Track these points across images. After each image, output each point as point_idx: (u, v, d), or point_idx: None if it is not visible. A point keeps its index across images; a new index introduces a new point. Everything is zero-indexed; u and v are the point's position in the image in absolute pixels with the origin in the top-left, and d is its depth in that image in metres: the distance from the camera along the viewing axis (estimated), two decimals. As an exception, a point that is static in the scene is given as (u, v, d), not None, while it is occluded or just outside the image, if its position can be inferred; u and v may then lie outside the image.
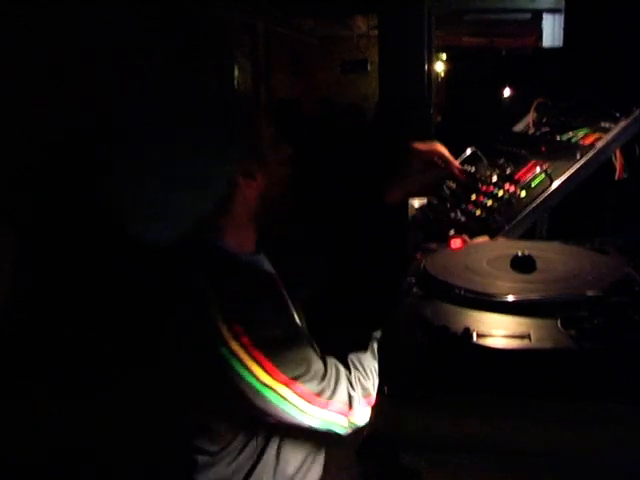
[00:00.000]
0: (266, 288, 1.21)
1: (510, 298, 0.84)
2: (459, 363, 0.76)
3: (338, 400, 1.16)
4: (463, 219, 1.44)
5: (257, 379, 1.10)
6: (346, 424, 1.18)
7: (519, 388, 0.75)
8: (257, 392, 1.10)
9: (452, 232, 1.36)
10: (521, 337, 0.77)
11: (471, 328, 0.77)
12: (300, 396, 1.12)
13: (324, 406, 1.14)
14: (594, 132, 1.39)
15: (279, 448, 1.24)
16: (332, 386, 1.16)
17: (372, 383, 1.20)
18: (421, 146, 1.54)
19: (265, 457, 1.22)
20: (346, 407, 1.16)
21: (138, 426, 1.29)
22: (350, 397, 1.17)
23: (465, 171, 1.59)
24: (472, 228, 1.34)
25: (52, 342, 1.69)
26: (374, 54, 5.14)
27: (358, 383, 1.19)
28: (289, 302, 1.26)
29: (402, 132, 3.62)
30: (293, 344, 1.15)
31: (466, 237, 1.22)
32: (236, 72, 5.02)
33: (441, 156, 1.52)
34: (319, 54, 8.25)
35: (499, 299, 0.85)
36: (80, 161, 1.78)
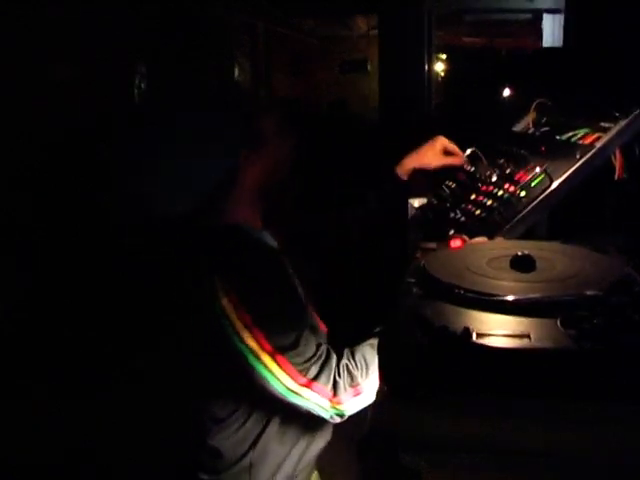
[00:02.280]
0: (267, 260, 1.24)
1: (510, 298, 0.84)
2: (459, 363, 0.76)
3: (322, 382, 1.17)
4: (463, 219, 1.43)
5: (242, 340, 1.13)
6: (329, 408, 1.19)
7: (519, 388, 0.75)
8: (244, 356, 1.13)
9: (452, 232, 1.36)
10: (521, 337, 0.77)
11: (471, 328, 0.77)
12: (283, 369, 1.15)
13: (306, 385, 1.16)
14: (594, 132, 1.38)
15: (282, 421, 1.27)
16: (318, 368, 1.17)
17: (362, 374, 1.21)
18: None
19: (270, 428, 1.26)
20: (330, 392, 1.18)
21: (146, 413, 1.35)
22: (335, 382, 1.18)
23: (465, 171, 1.59)
24: (472, 228, 1.34)
25: (52, 342, 1.69)
26: (374, 54, 5.12)
27: (346, 371, 1.20)
28: (295, 281, 1.27)
29: (402, 132, 3.62)
30: (286, 318, 1.18)
31: (466, 237, 1.22)
32: (236, 72, 5.01)
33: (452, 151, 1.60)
34: (319, 54, 8.23)
35: (499, 299, 0.85)
36: (80, 161, 1.78)
